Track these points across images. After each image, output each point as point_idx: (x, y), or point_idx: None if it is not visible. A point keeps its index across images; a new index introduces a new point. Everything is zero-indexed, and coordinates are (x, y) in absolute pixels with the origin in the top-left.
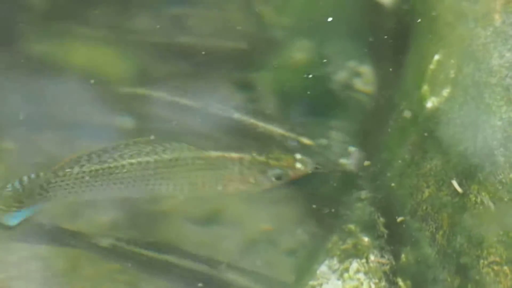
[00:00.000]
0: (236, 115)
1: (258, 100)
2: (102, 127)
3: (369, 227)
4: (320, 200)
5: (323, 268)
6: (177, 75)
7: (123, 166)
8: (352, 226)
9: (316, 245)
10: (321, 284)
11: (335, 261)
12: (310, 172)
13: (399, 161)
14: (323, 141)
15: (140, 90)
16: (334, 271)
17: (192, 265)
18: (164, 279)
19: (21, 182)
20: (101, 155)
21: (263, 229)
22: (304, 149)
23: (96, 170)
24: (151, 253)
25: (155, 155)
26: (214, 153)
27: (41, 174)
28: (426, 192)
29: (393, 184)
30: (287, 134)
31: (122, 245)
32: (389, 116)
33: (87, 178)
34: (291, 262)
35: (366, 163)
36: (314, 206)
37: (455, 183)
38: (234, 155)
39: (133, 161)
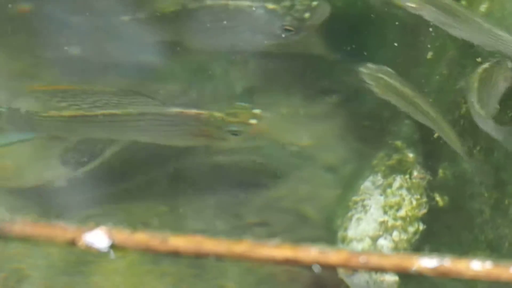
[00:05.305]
0: None
1: None
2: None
3: (414, 143)
4: (366, 117)
5: (367, 184)
6: None
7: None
8: (399, 143)
9: (361, 161)
10: (363, 200)
11: (379, 177)
12: (267, 129)
13: (437, 77)
14: (287, 3)
15: None
16: (377, 187)
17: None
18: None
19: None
20: (84, 98)
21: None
22: (269, 13)
23: (75, 116)
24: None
25: (122, 109)
26: (174, 110)
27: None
28: (464, 108)
29: (430, 100)
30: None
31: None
32: (427, 31)
33: (67, 122)
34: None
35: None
36: (364, 123)
37: None
38: (192, 111)
39: (105, 112)
